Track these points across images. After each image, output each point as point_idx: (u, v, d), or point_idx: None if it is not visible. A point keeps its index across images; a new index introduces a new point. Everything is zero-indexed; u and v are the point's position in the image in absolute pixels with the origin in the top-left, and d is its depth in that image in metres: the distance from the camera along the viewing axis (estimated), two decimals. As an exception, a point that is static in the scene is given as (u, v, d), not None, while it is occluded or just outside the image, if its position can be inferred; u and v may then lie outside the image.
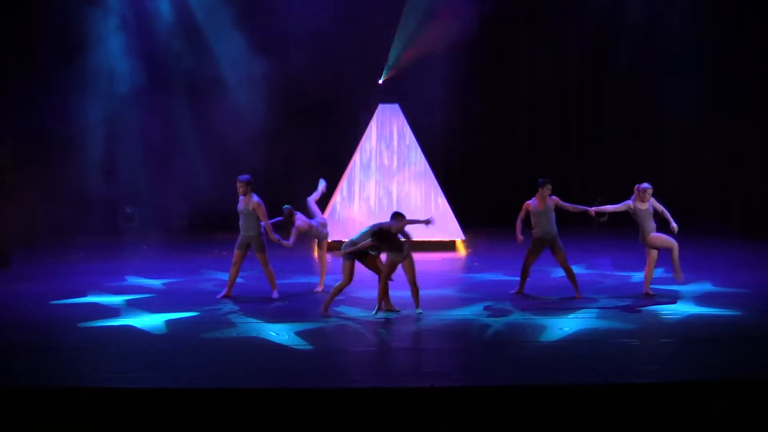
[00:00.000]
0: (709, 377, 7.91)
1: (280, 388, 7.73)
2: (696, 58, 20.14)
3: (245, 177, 11.71)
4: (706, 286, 12.34)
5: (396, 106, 17.98)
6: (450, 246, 17.10)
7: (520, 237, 11.96)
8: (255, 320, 10.32)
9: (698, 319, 10.18)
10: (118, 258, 16.06)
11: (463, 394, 7.67)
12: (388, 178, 17.40)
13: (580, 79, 21.27)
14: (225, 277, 12.45)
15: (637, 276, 13.24)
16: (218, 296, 11.86)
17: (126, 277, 13.68)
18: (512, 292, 11.91)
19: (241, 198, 11.66)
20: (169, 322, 10.27)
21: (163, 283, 13.13)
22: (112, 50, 19.10)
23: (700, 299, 11.36)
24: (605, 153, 20.93)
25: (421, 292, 11.99)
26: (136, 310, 11.01)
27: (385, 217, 17.20)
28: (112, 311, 10.94)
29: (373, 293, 11.69)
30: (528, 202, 11.75)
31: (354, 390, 7.70)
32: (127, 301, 11.65)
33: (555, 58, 20.84)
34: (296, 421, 7.33)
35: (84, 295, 12.17)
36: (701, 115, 20.08)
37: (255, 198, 11.56)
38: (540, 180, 11.75)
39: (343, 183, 17.69)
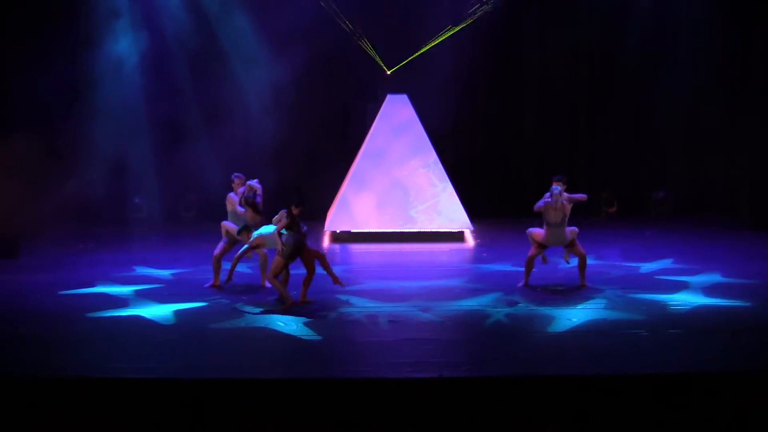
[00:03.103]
0: (717, 369, 7.86)
1: (288, 378, 7.75)
2: (705, 47, 19.94)
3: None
4: (715, 277, 12.24)
5: (404, 97, 17.89)
6: (458, 236, 17.05)
7: None
8: (263, 311, 10.34)
9: (707, 310, 10.13)
10: (125, 248, 16.02)
11: (471, 385, 7.66)
12: (396, 169, 17.36)
13: (588, 70, 21.03)
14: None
15: (646, 267, 13.23)
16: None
17: (134, 267, 13.63)
18: (519, 285, 11.87)
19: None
20: (177, 313, 10.27)
21: (172, 274, 13.10)
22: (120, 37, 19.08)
23: (709, 290, 11.29)
24: (613, 144, 20.72)
25: (429, 283, 12.20)
26: (145, 300, 11.01)
27: (392, 208, 17.32)
28: (121, 301, 10.94)
29: (381, 284, 11.78)
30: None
31: (362, 380, 7.70)
32: (136, 291, 11.62)
33: (564, 49, 20.62)
34: (304, 411, 7.35)
35: (92, 285, 12.14)
36: (709, 105, 19.92)
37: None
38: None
39: (352, 173, 17.65)
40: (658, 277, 12.46)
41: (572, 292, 11.55)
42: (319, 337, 9.21)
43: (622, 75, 20.61)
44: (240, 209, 12.04)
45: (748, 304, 10.43)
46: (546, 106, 20.91)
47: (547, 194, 11.69)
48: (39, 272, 13.36)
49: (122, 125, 19.13)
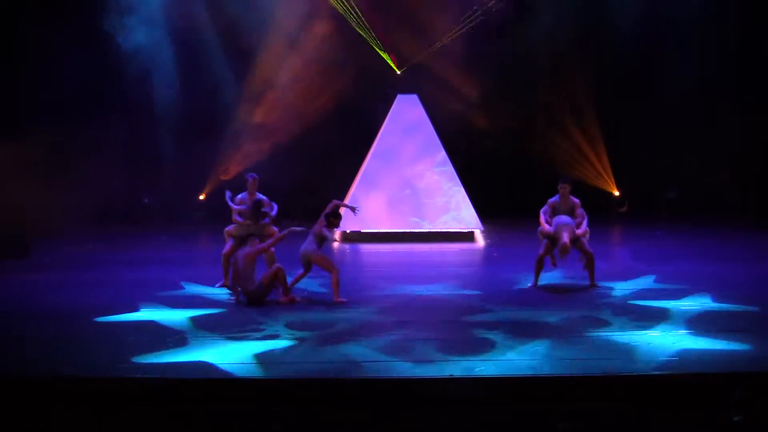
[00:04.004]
0: (730, 369, 8.28)
1: (290, 378, 8.08)
2: (715, 45, 20.42)
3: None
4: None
5: (415, 97, 18.41)
6: (469, 237, 17.52)
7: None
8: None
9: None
10: (141, 249, 16.26)
11: (482, 385, 8.08)
12: (406, 169, 17.84)
13: (598, 69, 21.71)
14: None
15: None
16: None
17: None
18: (529, 285, 12.51)
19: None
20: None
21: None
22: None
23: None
24: (623, 143, 21.35)
25: (438, 285, 12.60)
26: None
27: (402, 208, 17.95)
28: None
29: (387, 283, 12.34)
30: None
31: (366, 380, 8.13)
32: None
33: (573, 48, 21.43)
34: (307, 411, 7.76)
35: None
36: (718, 103, 20.48)
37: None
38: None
39: (362, 173, 18.13)
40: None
41: (580, 292, 12.15)
42: (321, 337, 9.65)
43: (631, 73, 21.14)
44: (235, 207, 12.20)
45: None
46: (556, 106, 21.51)
47: (552, 199, 12.37)
48: (51, 271, 13.50)
49: (135, 124, 19.85)
